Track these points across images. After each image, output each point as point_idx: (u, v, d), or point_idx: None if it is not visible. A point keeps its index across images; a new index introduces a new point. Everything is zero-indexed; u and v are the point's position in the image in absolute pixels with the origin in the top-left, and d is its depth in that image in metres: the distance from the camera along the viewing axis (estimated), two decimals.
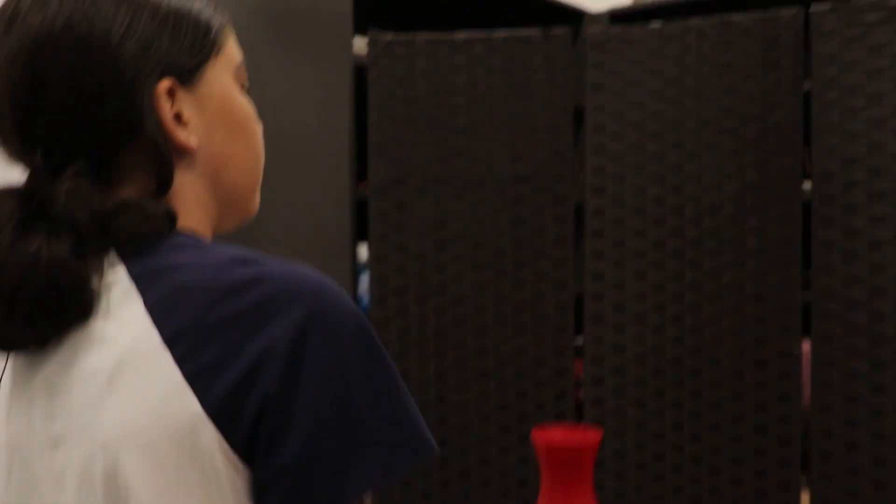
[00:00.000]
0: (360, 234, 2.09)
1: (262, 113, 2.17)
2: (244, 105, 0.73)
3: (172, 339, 0.57)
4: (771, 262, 1.72)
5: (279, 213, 2.17)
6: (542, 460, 0.99)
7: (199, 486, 0.56)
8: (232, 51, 0.72)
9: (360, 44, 2.07)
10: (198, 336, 0.57)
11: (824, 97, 1.67)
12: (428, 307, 1.86)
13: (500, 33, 1.83)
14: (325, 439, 0.57)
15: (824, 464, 1.68)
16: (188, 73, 0.68)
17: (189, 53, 0.68)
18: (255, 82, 2.20)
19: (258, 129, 0.74)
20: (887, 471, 1.62)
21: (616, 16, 2.81)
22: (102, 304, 0.61)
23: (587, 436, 0.99)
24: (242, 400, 0.56)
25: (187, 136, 0.67)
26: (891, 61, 1.62)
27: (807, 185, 1.74)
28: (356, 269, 2.10)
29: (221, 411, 0.56)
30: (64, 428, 0.59)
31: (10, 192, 0.62)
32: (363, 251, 2.12)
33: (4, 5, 0.66)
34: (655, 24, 1.78)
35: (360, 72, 2.04)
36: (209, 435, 0.56)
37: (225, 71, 0.71)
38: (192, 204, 0.69)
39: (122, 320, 0.59)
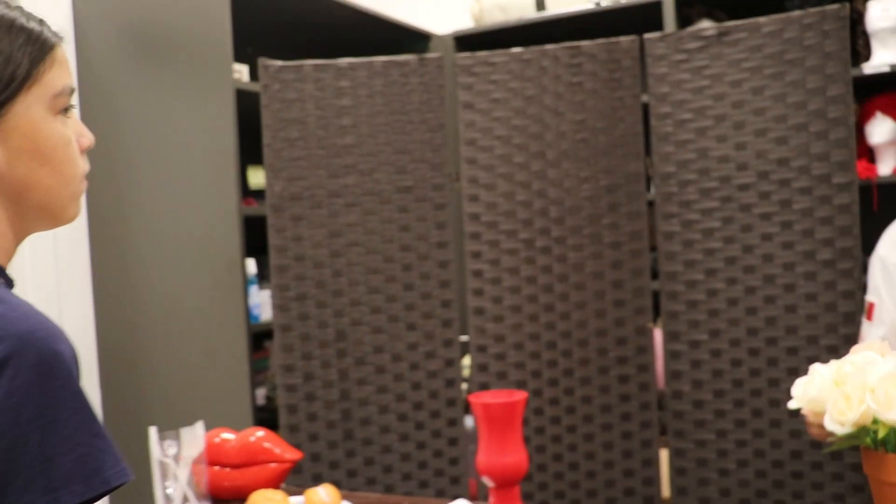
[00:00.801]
0: (247, 249, 2.19)
1: (150, 137, 2.22)
2: (53, 133, 0.80)
3: None
4: (624, 253, 2.01)
5: (171, 232, 2.23)
6: (479, 419, 1.18)
7: None
8: (50, 80, 0.79)
9: (236, 69, 2.18)
10: None
11: (659, 111, 1.97)
12: (327, 312, 2.00)
13: (380, 59, 2.01)
14: None
15: (677, 421, 1.98)
16: None
17: None
18: (143, 109, 2.25)
19: (69, 152, 0.82)
20: (726, 421, 1.94)
21: (459, 37, 3.06)
22: None
23: (516, 394, 1.20)
24: None
25: None
26: (709, 80, 1.94)
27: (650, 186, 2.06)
28: (246, 282, 2.20)
29: None
30: None
31: None
32: (251, 265, 2.23)
33: None
34: (517, 50, 2.02)
35: (240, 95, 2.15)
36: None
37: (37, 102, 0.78)
38: None
39: None
